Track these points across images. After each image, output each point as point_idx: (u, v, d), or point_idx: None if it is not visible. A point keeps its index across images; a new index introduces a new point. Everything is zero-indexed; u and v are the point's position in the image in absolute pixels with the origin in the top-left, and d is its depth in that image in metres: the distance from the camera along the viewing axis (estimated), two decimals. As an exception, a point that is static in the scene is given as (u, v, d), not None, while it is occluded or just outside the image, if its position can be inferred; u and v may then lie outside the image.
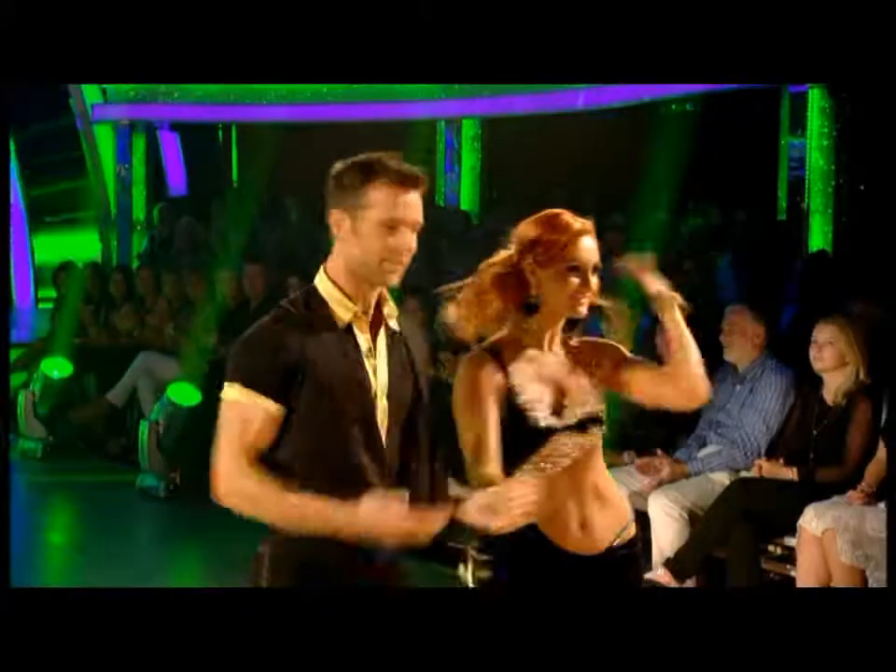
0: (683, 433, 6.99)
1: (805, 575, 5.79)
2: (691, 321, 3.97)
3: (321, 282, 3.42)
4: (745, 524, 6.13)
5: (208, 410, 8.97)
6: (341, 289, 3.38)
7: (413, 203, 3.31)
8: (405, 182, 3.29)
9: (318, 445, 3.41)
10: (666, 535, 6.43)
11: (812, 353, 6.31)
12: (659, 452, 6.74)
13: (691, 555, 6.32)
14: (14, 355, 12.42)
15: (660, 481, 6.59)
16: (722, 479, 6.56)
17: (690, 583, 6.30)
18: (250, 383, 3.33)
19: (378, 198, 3.27)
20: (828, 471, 6.10)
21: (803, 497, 5.98)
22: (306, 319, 3.42)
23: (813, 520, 5.74)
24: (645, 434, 6.99)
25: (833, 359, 6.25)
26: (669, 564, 6.30)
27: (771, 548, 6.29)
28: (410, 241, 3.30)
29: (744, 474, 6.56)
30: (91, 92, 16.41)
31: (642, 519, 6.37)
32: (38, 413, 10.64)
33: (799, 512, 5.88)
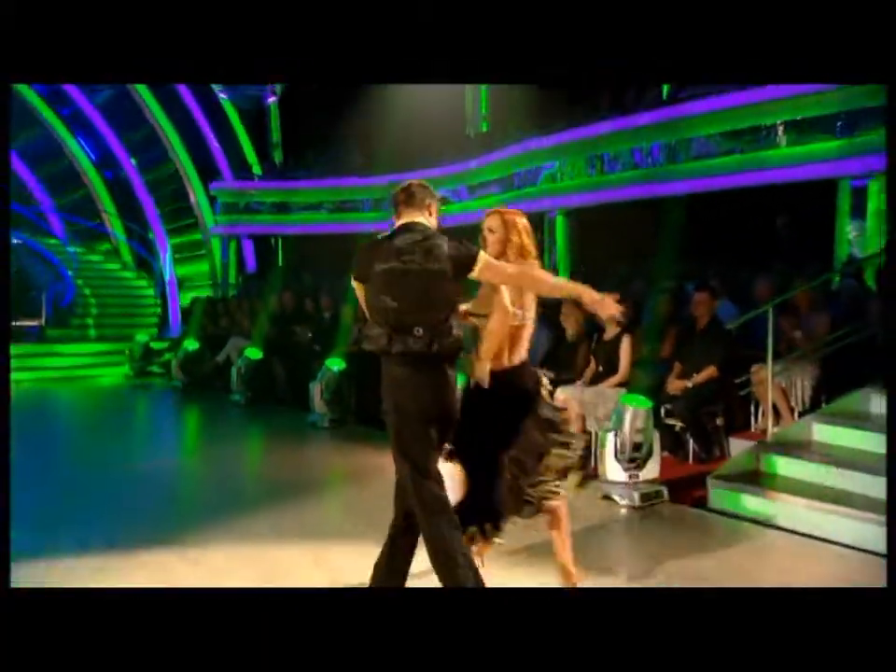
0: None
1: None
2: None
3: None
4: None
5: (265, 363, 9.09)
6: None
7: None
8: None
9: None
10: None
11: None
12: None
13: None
14: (167, 344, 12.30)
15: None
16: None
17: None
18: None
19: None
20: (608, 376, 5.78)
21: (556, 383, 5.49)
22: None
23: (561, 393, 5.21)
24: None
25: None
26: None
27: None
28: None
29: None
30: (208, 218, 16.22)
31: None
32: (181, 367, 10.39)
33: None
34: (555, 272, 11.42)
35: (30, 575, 3.55)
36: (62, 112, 16.74)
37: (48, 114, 16.60)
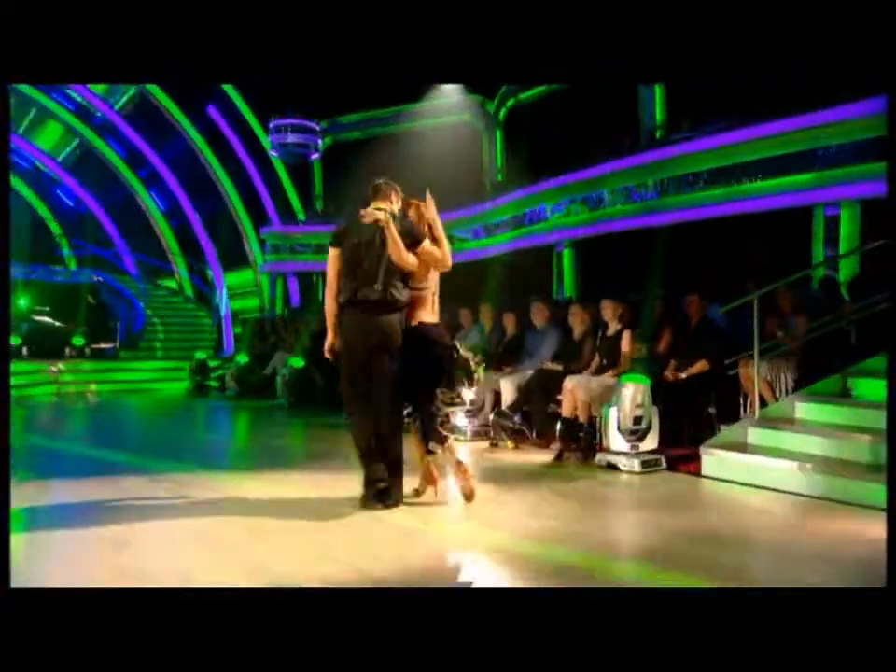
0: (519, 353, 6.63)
1: (564, 406, 5.52)
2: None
3: None
4: (541, 387, 5.99)
5: (306, 371, 8.99)
6: None
7: None
8: None
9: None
10: (508, 392, 6.16)
11: (602, 312, 5.85)
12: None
13: (519, 402, 6.08)
14: (220, 361, 12.37)
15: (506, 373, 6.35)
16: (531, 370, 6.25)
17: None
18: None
19: None
20: (611, 368, 5.62)
21: (564, 374, 5.75)
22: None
23: (569, 382, 5.55)
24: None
25: (611, 315, 5.79)
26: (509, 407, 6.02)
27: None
28: None
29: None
30: (259, 257, 16.43)
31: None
32: (234, 378, 10.42)
33: (562, 381, 5.65)
34: (565, 296, 11.54)
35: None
36: (139, 173, 17.27)
37: (128, 174, 17.13)
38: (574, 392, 5.55)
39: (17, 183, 17.04)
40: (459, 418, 6.23)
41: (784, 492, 4.15)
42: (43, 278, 15.13)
